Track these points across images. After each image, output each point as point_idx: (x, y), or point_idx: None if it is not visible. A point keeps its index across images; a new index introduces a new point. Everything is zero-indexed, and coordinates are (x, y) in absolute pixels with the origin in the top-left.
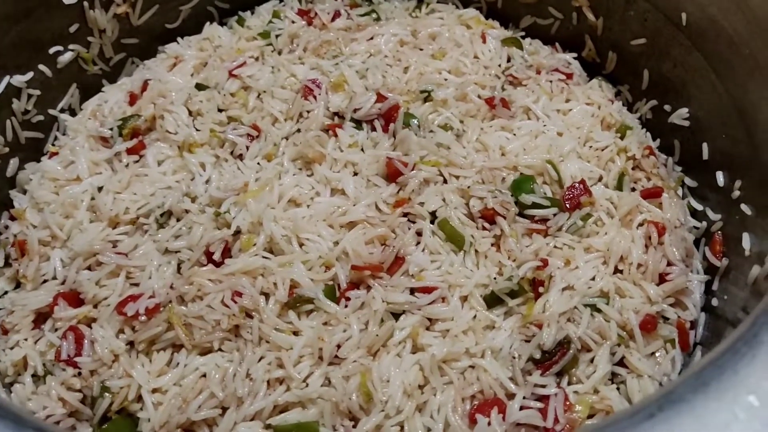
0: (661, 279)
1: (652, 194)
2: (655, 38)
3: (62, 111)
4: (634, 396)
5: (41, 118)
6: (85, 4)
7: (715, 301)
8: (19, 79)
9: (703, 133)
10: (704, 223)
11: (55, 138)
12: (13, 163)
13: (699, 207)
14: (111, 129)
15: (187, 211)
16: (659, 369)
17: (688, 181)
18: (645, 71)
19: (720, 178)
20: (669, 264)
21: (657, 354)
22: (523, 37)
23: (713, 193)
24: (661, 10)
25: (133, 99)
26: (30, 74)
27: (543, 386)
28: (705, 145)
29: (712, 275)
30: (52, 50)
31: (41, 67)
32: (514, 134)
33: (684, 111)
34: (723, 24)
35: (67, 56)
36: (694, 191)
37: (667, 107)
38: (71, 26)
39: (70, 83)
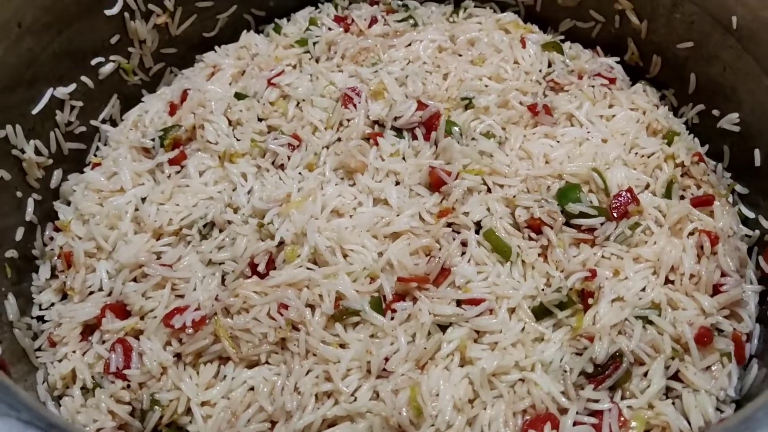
0: (715, 290)
1: (703, 202)
2: (702, 41)
3: (103, 122)
4: (691, 411)
5: (83, 129)
6: (126, 15)
7: None
8: (62, 91)
9: (755, 138)
10: (757, 232)
11: (97, 149)
12: (57, 174)
13: (751, 215)
14: (152, 139)
15: (229, 222)
16: (716, 383)
17: (738, 187)
18: (692, 75)
19: None
20: (723, 275)
21: (713, 368)
22: (563, 41)
23: (767, 200)
24: (709, 13)
25: (173, 109)
26: (73, 86)
27: (596, 401)
28: (757, 151)
29: (766, 285)
30: (93, 61)
31: (83, 78)
32: (558, 141)
33: (734, 116)
34: None
35: (108, 67)
36: (744, 198)
37: (715, 112)
38: (112, 37)
39: (111, 94)
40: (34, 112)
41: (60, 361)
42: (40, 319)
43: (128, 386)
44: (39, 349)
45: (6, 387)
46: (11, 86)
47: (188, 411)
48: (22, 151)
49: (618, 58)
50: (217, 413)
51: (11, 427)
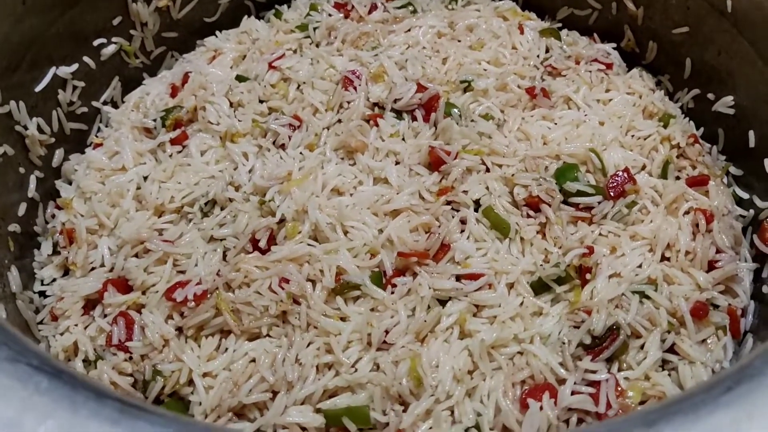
0: (710, 266)
1: (698, 182)
2: (698, 26)
3: (104, 103)
4: (687, 382)
5: (85, 109)
6: None
7: (765, 289)
8: (64, 71)
9: (750, 120)
10: (751, 211)
11: (98, 130)
12: (59, 153)
13: (745, 195)
14: (154, 120)
15: (231, 200)
16: (711, 356)
17: (733, 169)
18: (687, 60)
19: None
20: (718, 251)
21: (708, 341)
22: (560, 29)
23: (761, 181)
24: None
25: (174, 91)
26: (75, 66)
27: (593, 372)
28: (752, 133)
29: (761, 263)
30: (96, 42)
31: (86, 59)
32: (556, 123)
33: (729, 99)
34: None
35: (110, 49)
36: (738, 179)
37: (710, 96)
38: (114, 19)
39: (112, 76)
40: (37, 89)
41: (62, 334)
42: (42, 294)
43: (130, 358)
44: (41, 323)
45: (14, 336)
46: (15, 62)
47: (190, 382)
48: (25, 128)
49: (614, 45)
50: (218, 384)
51: (21, 372)
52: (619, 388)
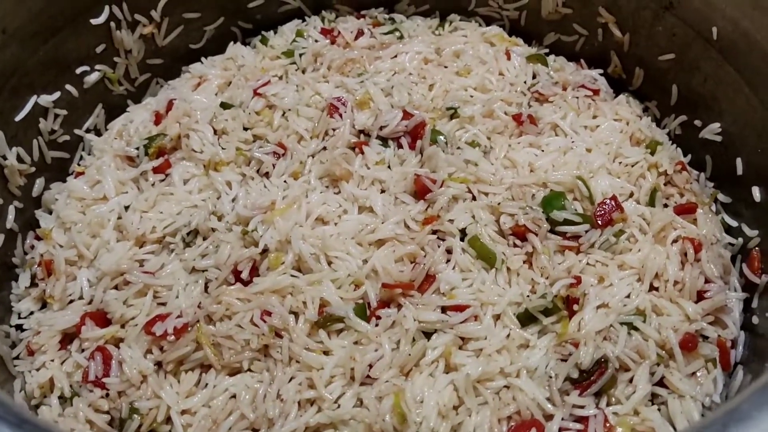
0: (699, 296)
1: (686, 210)
2: (684, 53)
3: (87, 131)
4: (677, 417)
5: (67, 138)
6: (112, 24)
7: (755, 320)
8: (46, 99)
9: (737, 147)
10: (740, 240)
11: (81, 158)
12: (39, 183)
13: (734, 223)
14: (137, 148)
15: (213, 230)
16: (701, 389)
17: (721, 196)
18: (674, 86)
19: (756, 193)
20: (707, 281)
21: (698, 374)
22: (547, 54)
23: (749, 208)
24: (690, 25)
25: (158, 118)
26: (57, 94)
27: (581, 407)
28: (739, 160)
29: (750, 293)
30: (78, 70)
31: (68, 87)
32: (543, 151)
33: (716, 126)
34: (756, 37)
35: (93, 76)
36: (727, 207)
37: (697, 122)
38: (98, 46)
39: (95, 103)
40: (17, 119)
41: (38, 369)
42: (19, 328)
43: (107, 395)
44: (17, 358)
45: None
46: None
47: (168, 420)
48: (4, 158)
49: (601, 71)
50: (197, 421)
51: None
52: (608, 424)
